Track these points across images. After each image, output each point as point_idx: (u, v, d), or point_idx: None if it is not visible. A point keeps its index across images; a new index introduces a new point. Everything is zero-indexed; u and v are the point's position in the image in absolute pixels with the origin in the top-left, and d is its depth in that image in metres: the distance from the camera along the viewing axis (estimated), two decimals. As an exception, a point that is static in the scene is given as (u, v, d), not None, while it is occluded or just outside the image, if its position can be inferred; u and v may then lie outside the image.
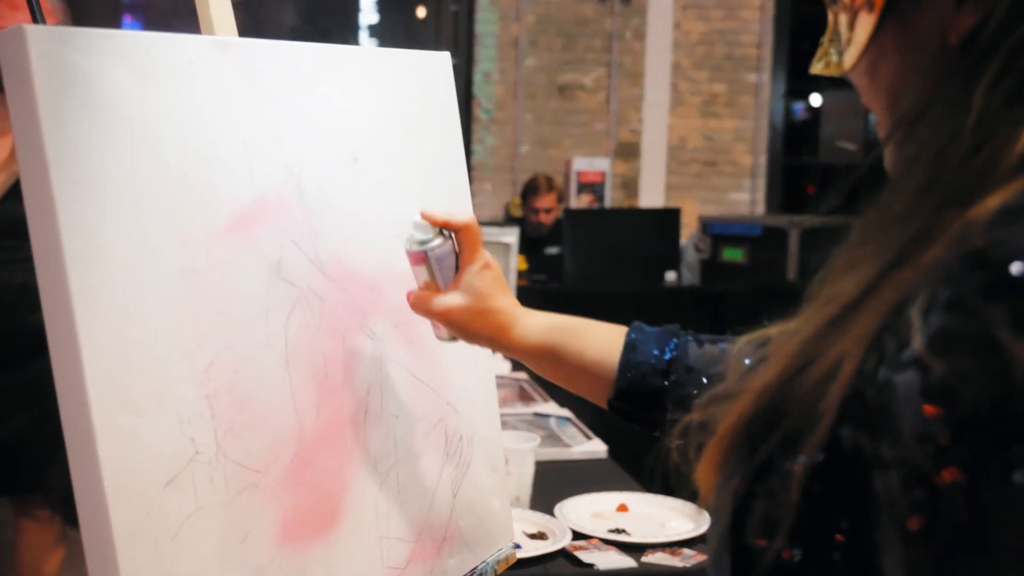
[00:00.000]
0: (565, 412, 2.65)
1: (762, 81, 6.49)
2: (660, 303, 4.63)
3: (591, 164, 6.04)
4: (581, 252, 4.80)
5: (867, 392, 0.56)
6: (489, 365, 1.37)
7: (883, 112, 0.74)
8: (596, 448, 2.35)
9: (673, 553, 1.74)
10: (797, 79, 6.85)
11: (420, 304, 1.15)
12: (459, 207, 1.32)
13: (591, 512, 1.93)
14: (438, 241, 1.14)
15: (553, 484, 2.06)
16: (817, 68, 0.83)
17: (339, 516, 1.10)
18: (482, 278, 1.15)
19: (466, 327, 1.15)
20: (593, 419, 2.59)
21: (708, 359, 1.09)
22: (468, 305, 1.14)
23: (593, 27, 6.21)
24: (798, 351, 0.63)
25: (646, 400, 1.10)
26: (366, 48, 1.27)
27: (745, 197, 6.43)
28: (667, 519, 1.92)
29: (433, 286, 1.15)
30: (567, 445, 2.37)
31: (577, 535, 1.79)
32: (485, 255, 1.16)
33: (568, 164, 6.10)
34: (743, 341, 0.93)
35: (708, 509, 0.72)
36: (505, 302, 1.15)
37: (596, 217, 5.45)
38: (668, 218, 5.16)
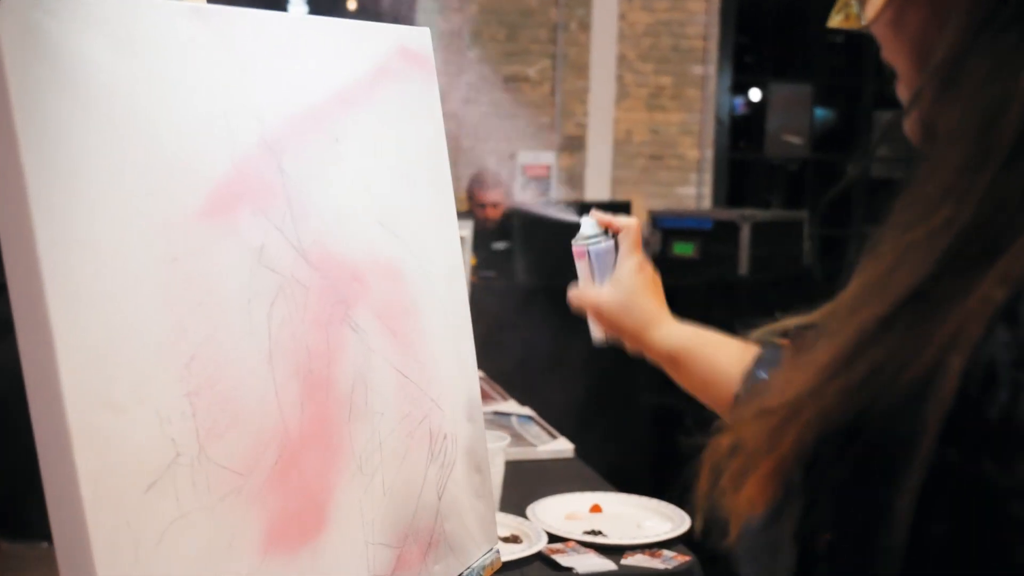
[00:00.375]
0: (527, 410, 2.61)
1: (708, 73, 6.51)
2: (612, 299, 4.59)
3: (536, 158, 6.01)
4: (531, 247, 4.76)
5: (985, 406, 0.49)
6: (472, 358, 1.32)
7: (909, 69, 0.67)
8: (563, 447, 2.31)
9: (653, 555, 1.71)
10: (743, 72, 6.89)
11: (576, 297, 1.26)
12: (442, 196, 1.28)
13: (564, 513, 1.89)
14: (600, 239, 1.25)
15: (521, 485, 2.02)
16: (836, 21, 0.77)
17: (324, 521, 1.04)
18: (635, 278, 1.23)
19: (612, 321, 1.23)
20: (556, 418, 2.55)
21: None
22: (618, 300, 1.22)
23: (538, 18, 6.18)
24: (861, 359, 0.56)
25: None
26: (347, 21, 1.22)
27: (691, 191, 6.44)
28: (642, 519, 1.89)
29: (590, 282, 1.26)
30: (531, 444, 2.33)
31: (553, 538, 1.75)
32: (642, 258, 1.25)
33: (513, 158, 6.06)
34: (754, 342, 0.89)
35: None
36: (653, 303, 1.23)
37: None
38: (618, 212, 5.14)
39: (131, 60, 0.87)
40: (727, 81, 6.59)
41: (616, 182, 6.30)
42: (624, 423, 3.25)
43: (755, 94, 7.28)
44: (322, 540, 1.03)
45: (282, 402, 0.99)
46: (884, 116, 7.43)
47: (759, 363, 1.11)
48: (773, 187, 7.32)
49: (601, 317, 1.25)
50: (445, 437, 1.25)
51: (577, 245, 1.27)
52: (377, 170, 1.17)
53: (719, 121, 6.53)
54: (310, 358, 1.04)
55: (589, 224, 1.27)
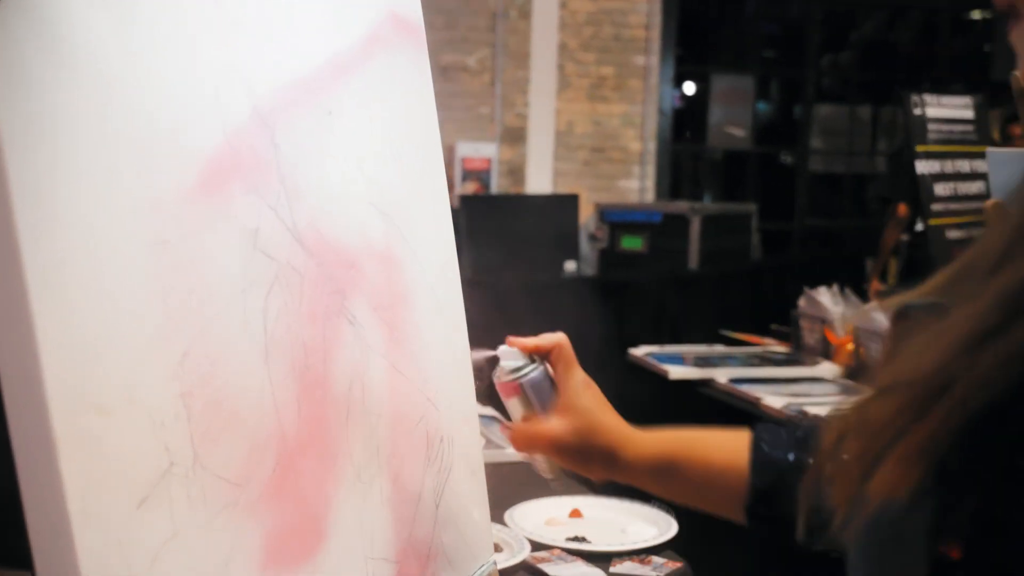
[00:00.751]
0: (489, 411, 2.53)
1: (651, 64, 6.48)
2: (561, 293, 4.54)
3: (476, 150, 5.93)
4: (477, 242, 4.68)
5: None
6: (466, 353, 1.24)
7: None
8: (532, 449, 2.24)
9: (643, 562, 1.64)
10: (685, 63, 6.88)
11: (522, 438, 1.11)
12: (434, 180, 1.20)
13: (544, 519, 1.82)
14: (531, 367, 1.10)
15: (493, 490, 1.94)
16: None
17: (324, 535, 0.96)
18: (586, 397, 1.09)
19: (577, 453, 1.09)
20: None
21: None
22: (576, 428, 1.08)
23: (476, 5, 6.10)
24: (1018, 323, 0.51)
25: (788, 496, 0.98)
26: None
27: (634, 184, 6.40)
28: (626, 524, 1.82)
29: (532, 417, 1.10)
30: (498, 447, 2.25)
31: (536, 545, 1.68)
32: (582, 373, 1.11)
33: (452, 150, 5.97)
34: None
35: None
36: (614, 420, 1.10)
37: (491, 205, 5.34)
38: (566, 205, 5.09)
39: (117, 22, 0.78)
40: (670, 72, 6.57)
41: (558, 175, 6.25)
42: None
43: (697, 86, 7.28)
44: (322, 556, 0.95)
45: (278, 402, 0.91)
46: (824, 109, 7.48)
47: (766, 445, 1.04)
48: (714, 179, 7.33)
49: (561, 452, 1.10)
50: (441, 440, 1.17)
51: (504, 381, 1.12)
52: (369, 147, 1.09)
53: (661, 113, 6.51)
54: (306, 354, 0.95)
55: (511, 354, 1.12)
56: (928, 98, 3.74)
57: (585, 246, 5.26)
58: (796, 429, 1.04)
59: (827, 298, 3.23)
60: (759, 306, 4.15)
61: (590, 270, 5.18)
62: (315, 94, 1.00)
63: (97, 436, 0.73)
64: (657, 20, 6.46)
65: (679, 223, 4.80)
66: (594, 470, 1.10)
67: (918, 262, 4.32)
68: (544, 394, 1.10)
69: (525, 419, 1.11)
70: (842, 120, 7.47)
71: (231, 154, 0.88)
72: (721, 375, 2.99)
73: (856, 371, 3.06)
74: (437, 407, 1.16)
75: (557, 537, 1.72)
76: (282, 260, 0.92)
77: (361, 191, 1.06)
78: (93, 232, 0.74)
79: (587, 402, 1.09)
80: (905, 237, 4.49)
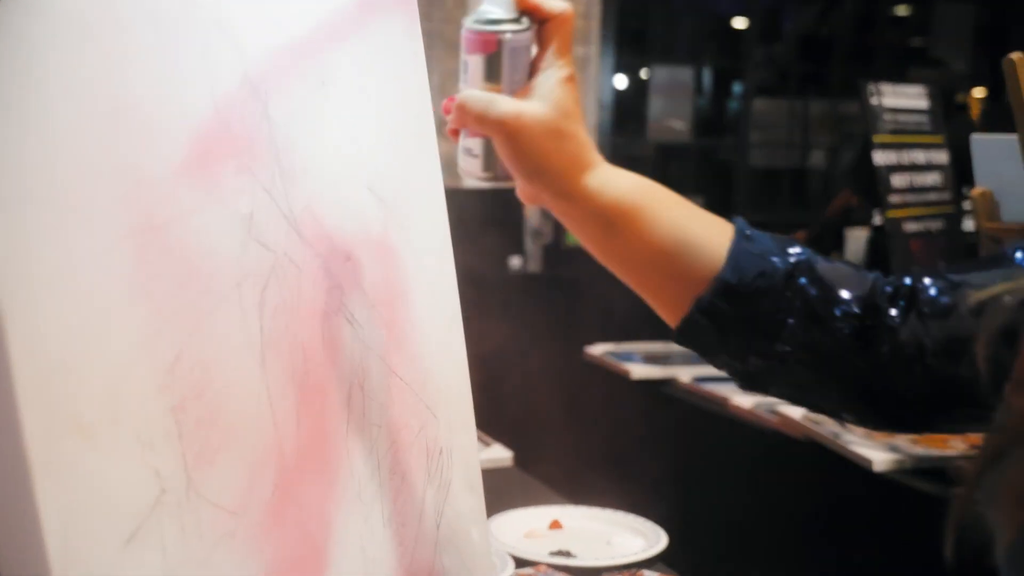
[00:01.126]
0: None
1: (590, 55, 6.40)
2: (507, 290, 4.43)
3: (412, 142, 5.79)
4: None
5: None
6: (463, 354, 1.13)
7: None
8: (500, 455, 2.14)
9: (634, 576, 1.55)
10: (625, 54, 6.82)
11: (476, 102, 0.84)
12: (429, 160, 1.09)
13: (523, 531, 1.71)
14: (518, 26, 0.85)
15: (464, 500, 1.84)
16: None
17: (326, 566, 0.85)
18: (565, 90, 0.85)
19: (535, 146, 0.83)
20: (480, 422, 2.38)
21: (840, 276, 0.87)
22: (545, 117, 0.83)
23: (411, -8, 5.96)
24: None
25: (756, 304, 0.85)
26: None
27: (574, 179, 6.31)
28: (611, 535, 1.73)
29: (494, 88, 0.85)
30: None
31: (519, 562, 1.57)
32: (571, 65, 0.87)
33: (387, 142, 5.83)
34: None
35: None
36: (584, 134, 0.86)
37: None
38: (507, 200, 4.98)
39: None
40: (610, 63, 6.50)
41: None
42: (567, 425, 3.10)
43: (634, 78, 7.23)
44: (324, 590, 0.84)
45: (276, 413, 0.80)
46: (763, 103, 7.49)
47: (754, 240, 0.87)
48: (654, 174, 7.27)
49: (514, 139, 0.84)
50: (441, 452, 1.06)
51: (479, 30, 0.86)
52: (364, 123, 0.98)
53: (601, 105, 6.43)
54: (305, 357, 0.84)
55: (500, 2, 0.86)
56: (884, 87, 3.70)
57: (529, 242, 5.16)
58: (786, 242, 0.89)
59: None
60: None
61: (535, 266, 5.08)
62: (308, 61, 0.89)
63: (78, 462, 0.62)
64: (596, 10, 6.38)
65: (626, 217, 4.70)
66: (541, 181, 0.86)
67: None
68: (519, 66, 0.86)
69: (486, 88, 0.86)
70: (779, 114, 7.47)
71: (222, 126, 0.77)
72: (684, 374, 2.91)
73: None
74: (436, 415, 1.06)
75: (540, 551, 1.61)
76: (279, 250, 0.81)
77: (357, 172, 0.95)
78: (71, 216, 0.62)
79: (564, 96, 0.85)
80: (864, 231, 4.46)
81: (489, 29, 0.85)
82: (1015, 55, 1.81)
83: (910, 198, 3.71)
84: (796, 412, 2.32)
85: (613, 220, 0.87)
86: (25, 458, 0.58)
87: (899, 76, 5.60)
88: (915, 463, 2.06)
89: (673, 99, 7.08)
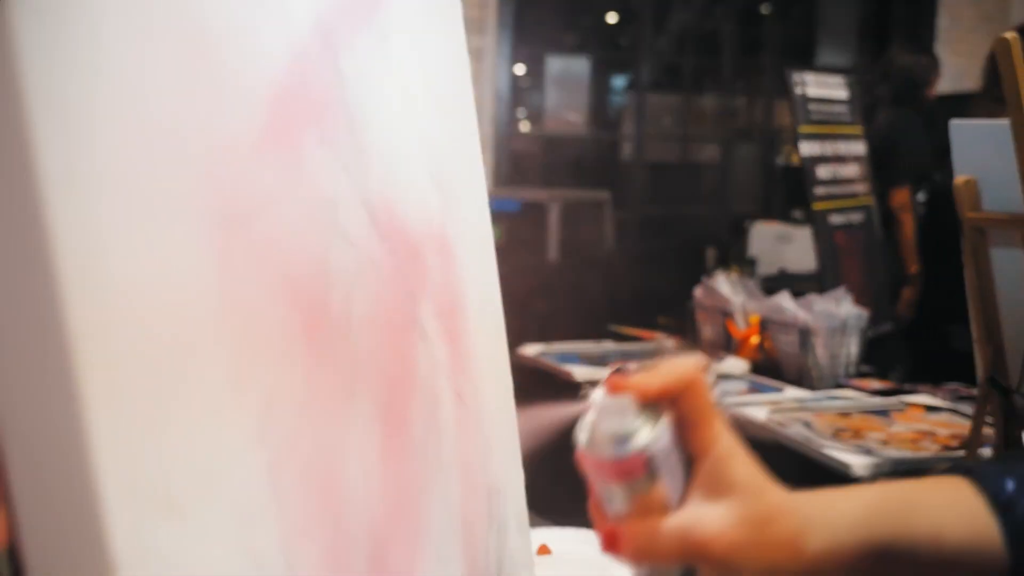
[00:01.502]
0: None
1: (486, 45, 6.23)
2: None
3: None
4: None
5: None
6: (506, 369, 0.96)
7: None
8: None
9: (648, 610, 1.39)
10: (522, 45, 6.68)
11: (652, 539, 0.62)
12: (471, 138, 0.91)
13: (512, 561, 1.54)
14: (658, 431, 0.62)
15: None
16: None
17: (415, 652, 0.66)
18: (743, 463, 0.64)
19: (753, 553, 0.63)
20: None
21: None
22: (747, 515, 0.63)
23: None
24: None
25: None
26: None
27: (471, 172, 6.15)
28: (605, 562, 1.57)
29: (657, 504, 0.62)
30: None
31: (519, 598, 1.40)
32: (725, 423, 0.65)
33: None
34: None
35: None
36: (781, 491, 0.65)
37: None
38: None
39: None
40: (507, 54, 6.34)
41: (391, 162, 5.94)
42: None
43: (532, 68, 7.10)
44: None
45: (365, 463, 0.61)
46: (660, 98, 7.44)
47: (1006, 499, 0.70)
48: (552, 168, 7.16)
49: (731, 557, 0.63)
50: (497, 491, 0.88)
51: (625, 455, 0.61)
52: (419, 92, 0.79)
53: (498, 96, 6.28)
54: (389, 386, 0.65)
55: (617, 408, 0.62)
56: (808, 76, 3.63)
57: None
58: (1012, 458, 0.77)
59: (727, 287, 3.05)
60: (633, 298, 3.97)
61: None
62: (378, 6, 0.70)
63: (167, 551, 0.42)
64: (493, 0, 6.23)
65: (537, 212, 4.57)
66: (764, 568, 0.64)
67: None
68: (675, 468, 0.64)
69: (640, 509, 0.63)
70: (670, 108, 7.43)
71: (299, 82, 0.58)
72: (628, 375, 2.77)
73: (765, 367, 2.90)
74: (492, 447, 0.88)
75: (536, 584, 1.45)
76: (362, 248, 0.62)
77: (416, 151, 0.77)
78: (131, 211, 0.43)
79: (747, 471, 0.64)
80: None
81: (629, 452, 0.62)
82: (1009, 35, 1.71)
83: (834, 190, 3.64)
84: (760, 413, 2.20)
85: (863, 560, 0.67)
86: (105, 551, 0.39)
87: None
88: (893, 466, 1.97)
89: (569, 90, 6.97)
